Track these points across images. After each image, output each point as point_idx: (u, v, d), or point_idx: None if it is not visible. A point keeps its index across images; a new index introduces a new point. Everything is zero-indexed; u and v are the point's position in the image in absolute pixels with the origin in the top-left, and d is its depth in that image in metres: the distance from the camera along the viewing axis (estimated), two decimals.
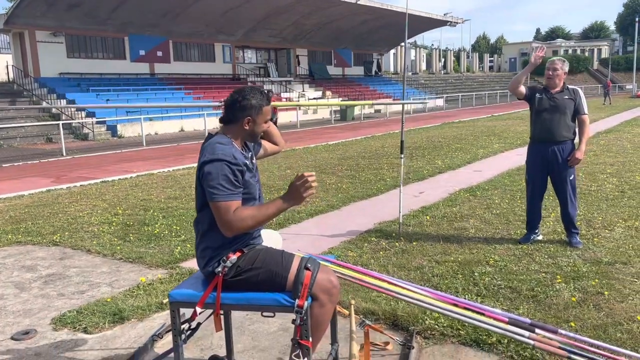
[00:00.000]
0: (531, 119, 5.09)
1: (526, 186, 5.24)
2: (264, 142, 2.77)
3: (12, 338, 3.45)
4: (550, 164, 4.93)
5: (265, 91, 2.47)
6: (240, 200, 2.31)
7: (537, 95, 4.95)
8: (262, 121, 2.44)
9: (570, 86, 4.98)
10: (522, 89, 4.96)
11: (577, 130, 4.97)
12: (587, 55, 71.80)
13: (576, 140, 4.98)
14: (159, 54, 28.28)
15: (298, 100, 30.37)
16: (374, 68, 43.80)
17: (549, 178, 5.05)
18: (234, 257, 2.33)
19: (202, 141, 2.51)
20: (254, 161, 2.54)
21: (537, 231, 5.16)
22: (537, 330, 2.57)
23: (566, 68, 4.90)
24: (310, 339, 2.29)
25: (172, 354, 2.43)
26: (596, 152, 11.34)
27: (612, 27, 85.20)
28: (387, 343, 3.20)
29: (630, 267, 4.32)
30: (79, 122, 20.54)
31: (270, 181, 9.10)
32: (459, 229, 5.69)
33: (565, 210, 4.98)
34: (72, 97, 22.01)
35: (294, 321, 2.25)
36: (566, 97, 4.86)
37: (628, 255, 4.59)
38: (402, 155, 5.44)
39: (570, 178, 4.94)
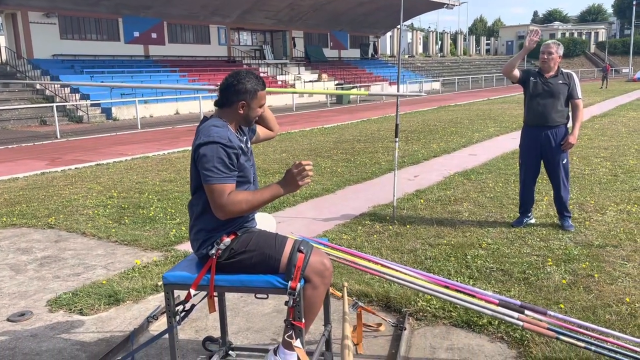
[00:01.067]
0: (525, 103, 5.07)
1: (519, 169, 5.27)
2: (259, 127, 2.77)
3: (8, 320, 3.48)
4: (543, 148, 4.95)
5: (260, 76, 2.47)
6: (235, 183, 2.32)
7: (532, 79, 4.93)
8: (256, 106, 2.44)
9: (564, 70, 4.95)
10: (516, 72, 4.93)
11: (570, 114, 4.97)
12: (584, 38, 71.57)
13: (569, 124, 4.99)
14: (154, 35, 27.99)
15: (294, 83, 30.23)
16: (371, 51, 43.54)
17: (542, 162, 5.08)
18: (227, 239, 2.34)
19: (197, 124, 2.52)
20: (249, 145, 2.55)
21: (529, 214, 5.20)
22: (526, 312, 2.60)
23: (561, 51, 4.87)
24: (303, 321, 2.32)
25: (166, 335, 2.45)
26: (591, 136, 11.37)
27: (610, 10, 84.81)
28: (379, 324, 3.25)
29: (620, 250, 4.38)
30: (73, 105, 20.39)
31: (265, 164, 9.10)
32: (453, 212, 5.73)
33: (558, 194, 5.01)
34: (66, 79, 21.81)
35: (286, 303, 2.27)
36: (560, 81, 4.84)
37: (619, 239, 4.64)
38: (397, 139, 5.45)
39: (564, 162, 4.95)
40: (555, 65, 4.86)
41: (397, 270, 2.64)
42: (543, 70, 4.90)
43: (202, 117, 2.52)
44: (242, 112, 2.42)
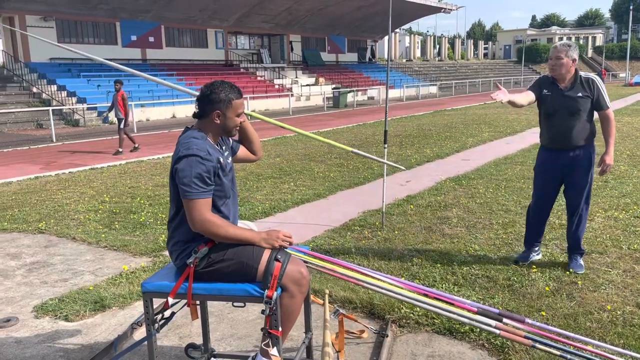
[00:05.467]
0: (540, 120, 4.23)
1: (533, 197, 4.35)
2: (241, 148, 2.78)
3: None
4: (565, 170, 4.10)
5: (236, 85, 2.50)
6: (211, 197, 2.35)
7: (545, 91, 4.07)
8: (233, 115, 2.46)
9: (584, 75, 4.00)
10: (524, 99, 4.04)
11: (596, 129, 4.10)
12: (582, 43, 71.80)
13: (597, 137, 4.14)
14: (151, 39, 28.04)
15: (291, 87, 30.27)
16: (368, 55, 43.66)
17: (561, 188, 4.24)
18: (205, 248, 2.37)
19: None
20: (229, 160, 2.57)
21: (537, 249, 4.39)
22: (504, 320, 2.62)
23: (574, 54, 3.93)
24: (280, 329, 2.34)
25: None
26: None
27: (607, 15, 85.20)
28: (362, 331, 3.27)
29: (605, 257, 4.40)
30: (69, 108, 20.40)
31: (259, 169, 9.12)
32: (442, 218, 5.75)
33: (573, 226, 4.17)
34: (63, 83, 21.86)
35: (263, 311, 2.29)
36: (580, 94, 3.93)
37: (605, 245, 4.66)
38: (386, 146, 5.48)
39: (587, 188, 4.09)
40: (568, 72, 3.96)
41: (376, 278, 2.66)
42: (556, 78, 4.03)
43: (184, 128, 2.54)
44: (218, 122, 2.44)
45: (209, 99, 2.41)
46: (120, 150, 12.14)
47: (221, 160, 2.42)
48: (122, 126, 12.12)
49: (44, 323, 3.53)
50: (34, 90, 21.58)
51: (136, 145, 12.48)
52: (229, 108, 2.43)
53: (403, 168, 5.35)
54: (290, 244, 2.47)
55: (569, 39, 72.25)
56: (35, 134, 17.54)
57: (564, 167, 4.08)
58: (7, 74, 23.24)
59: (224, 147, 2.58)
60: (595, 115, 4.06)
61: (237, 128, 2.55)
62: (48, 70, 22.76)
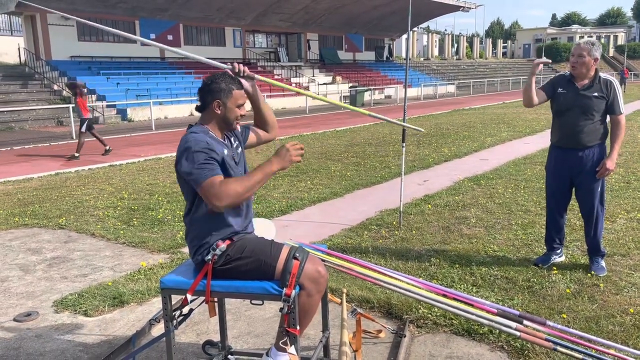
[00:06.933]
0: (552, 118, 4.21)
1: (546, 196, 4.38)
2: (256, 129, 2.79)
3: (14, 319, 3.54)
4: (573, 171, 4.07)
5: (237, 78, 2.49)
6: (221, 173, 2.31)
7: (560, 90, 4.04)
8: (233, 105, 2.46)
9: (603, 76, 3.97)
10: (537, 98, 4.08)
11: (609, 129, 4.07)
12: (603, 41, 70.68)
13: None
14: (170, 37, 28.25)
15: (308, 86, 30.28)
16: (385, 53, 43.45)
17: (573, 188, 4.21)
18: (223, 245, 2.36)
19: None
20: (239, 151, 2.57)
21: (559, 251, 4.31)
22: (525, 322, 2.59)
23: (597, 53, 3.90)
24: (298, 327, 2.33)
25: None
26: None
27: (629, 14, 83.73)
28: (379, 331, 3.25)
29: (628, 259, 4.32)
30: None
31: None
32: (460, 218, 5.70)
33: (590, 228, 4.11)
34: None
35: (281, 309, 2.29)
36: (596, 94, 3.91)
37: (627, 248, 4.58)
38: (404, 144, 5.44)
39: (599, 189, 4.04)
40: (589, 71, 3.92)
41: (394, 278, 2.64)
42: (575, 77, 4.00)
43: (187, 126, 2.54)
44: (219, 112, 2.44)
45: (210, 89, 2.43)
46: (77, 155, 11.05)
47: (226, 152, 2.41)
48: (83, 129, 11.20)
49: (64, 318, 3.57)
50: (55, 87, 21.89)
51: (106, 148, 11.50)
52: (229, 97, 2.43)
53: (422, 130, 5.22)
54: (302, 148, 2.38)
55: (590, 37, 71.16)
56: (56, 131, 17.78)
57: (573, 166, 4.06)
58: (29, 71, 23.62)
59: (232, 139, 2.57)
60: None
61: (238, 120, 2.53)
62: (68, 67, 23.06)
